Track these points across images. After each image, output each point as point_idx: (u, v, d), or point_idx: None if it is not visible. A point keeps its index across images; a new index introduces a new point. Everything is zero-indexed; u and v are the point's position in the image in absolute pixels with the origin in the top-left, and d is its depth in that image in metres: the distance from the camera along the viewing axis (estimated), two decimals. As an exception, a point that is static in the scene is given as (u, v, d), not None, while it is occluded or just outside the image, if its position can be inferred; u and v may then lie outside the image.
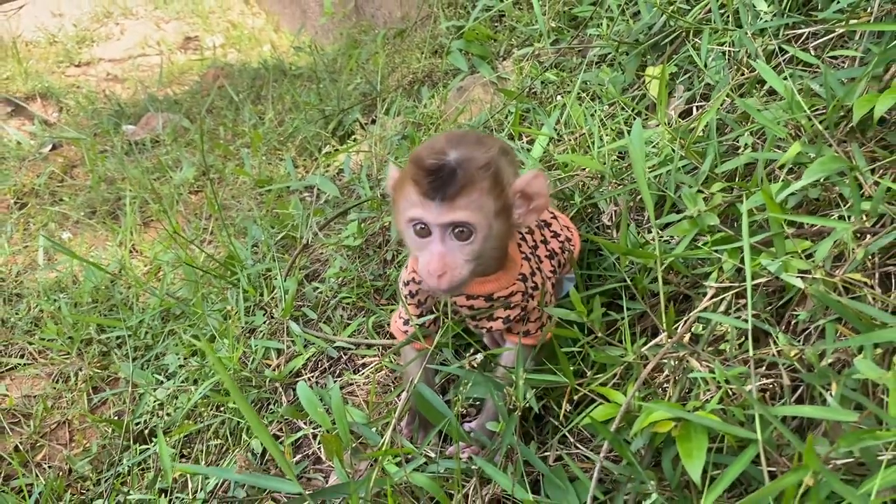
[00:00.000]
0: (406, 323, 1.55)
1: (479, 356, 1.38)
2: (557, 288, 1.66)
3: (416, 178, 1.22)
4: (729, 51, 1.84)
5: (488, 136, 1.34)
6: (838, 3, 1.58)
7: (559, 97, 2.24)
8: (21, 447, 2.15)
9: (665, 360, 1.28)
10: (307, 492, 1.11)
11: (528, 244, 1.48)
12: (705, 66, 1.91)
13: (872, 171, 1.33)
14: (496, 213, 1.25)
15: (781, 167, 1.41)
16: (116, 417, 2.13)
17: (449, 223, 1.23)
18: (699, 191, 1.43)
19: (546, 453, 1.45)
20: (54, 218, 3.52)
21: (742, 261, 1.32)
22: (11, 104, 4.96)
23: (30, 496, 1.91)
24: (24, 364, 2.50)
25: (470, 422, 1.60)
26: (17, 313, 2.75)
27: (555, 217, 1.63)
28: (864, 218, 1.26)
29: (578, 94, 2.19)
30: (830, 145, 1.31)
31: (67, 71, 6.22)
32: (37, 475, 2.02)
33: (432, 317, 1.51)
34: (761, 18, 1.77)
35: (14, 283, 2.97)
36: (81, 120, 4.77)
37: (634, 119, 1.84)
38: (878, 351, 1.13)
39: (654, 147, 1.71)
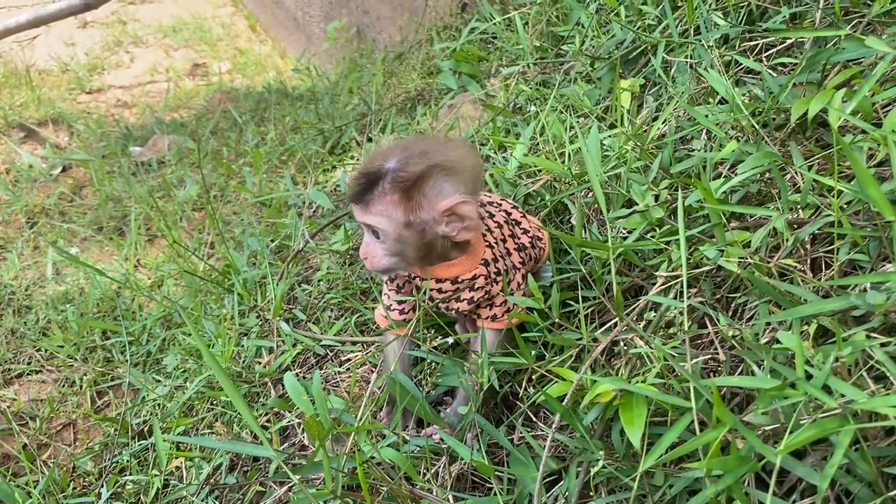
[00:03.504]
0: (387, 309, 1.68)
1: (450, 339, 1.50)
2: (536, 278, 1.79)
3: (350, 182, 1.46)
4: (691, 62, 1.96)
5: (441, 149, 1.43)
6: (782, 15, 1.70)
7: (532, 107, 2.37)
8: (28, 446, 2.26)
9: (617, 341, 1.39)
10: (283, 459, 1.21)
11: (493, 235, 1.61)
12: (673, 79, 2.03)
13: (809, 168, 1.44)
14: (405, 224, 1.40)
15: (726, 166, 1.53)
16: (119, 417, 2.24)
17: (363, 223, 1.45)
18: (649, 188, 1.54)
19: (513, 435, 1.56)
20: (63, 235, 3.66)
21: (691, 252, 1.44)
22: (24, 129, 5.14)
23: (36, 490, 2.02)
24: (32, 371, 2.63)
25: (446, 409, 1.71)
26: (25, 323, 2.88)
27: (524, 216, 1.76)
28: (799, 209, 1.37)
29: (556, 107, 2.32)
30: (766, 142, 1.42)
31: (79, 98, 6.42)
32: (43, 472, 2.13)
33: (411, 300, 1.62)
34: (719, 31, 1.89)
35: (24, 296, 3.10)
36: (90, 143, 4.94)
37: (599, 126, 1.96)
38: (806, 327, 1.23)
39: (612, 150, 1.83)
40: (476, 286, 1.56)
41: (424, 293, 1.56)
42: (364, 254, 1.50)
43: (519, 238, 1.69)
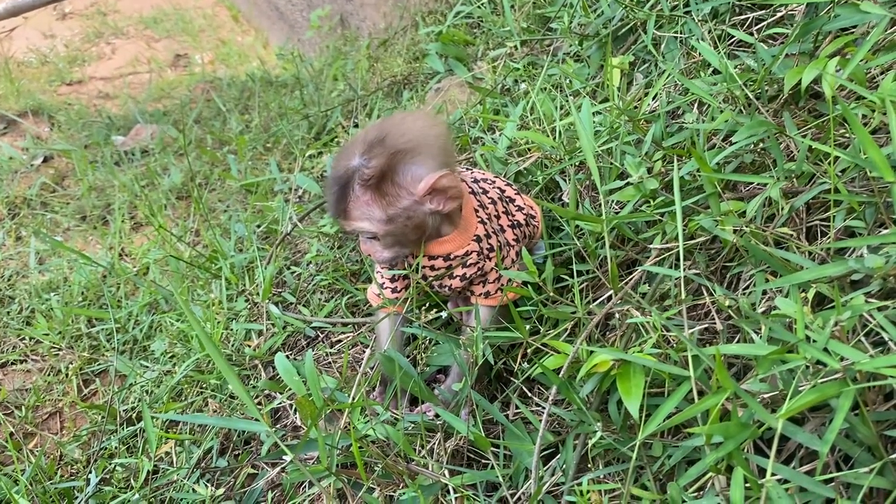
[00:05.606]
0: (381, 287, 1.66)
1: (443, 313, 1.49)
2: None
3: (325, 194, 1.49)
4: (681, 37, 1.95)
5: (399, 130, 1.38)
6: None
7: (522, 85, 2.35)
8: (15, 435, 2.23)
9: (612, 314, 1.38)
10: (279, 436, 1.19)
11: (486, 211, 1.59)
12: (663, 55, 2.02)
13: (804, 138, 1.43)
14: (387, 220, 1.40)
15: (720, 137, 1.52)
16: (106, 404, 2.21)
17: (352, 230, 1.44)
18: (643, 160, 1.53)
19: (508, 411, 1.55)
20: (46, 225, 3.61)
21: (685, 223, 1.43)
22: (4, 121, 5.06)
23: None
24: (17, 360, 2.59)
25: (440, 387, 1.69)
26: (8, 313, 2.83)
27: (518, 194, 1.74)
28: (794, 177, 1.36)
29: (545, 86, 2.30)
30: (760, 112, 1.41)
31: (59, 89, 6.32)
32: (30, 461, 2.10)
33: (403, 273, 1.60)
34: (709, 4, 1.88)
35: (6, 286, 3.05)
36: (72, 133, 4.87)
37: (589, 100, 1.95)
38: (803, 294, 1.22)
39: (603, 126, 1.81)
40: (468, 262, 1.55)
41: (417, 271, 1.54)
42: (365, 251, 1.52)
43: (513, 215, 1.67)
